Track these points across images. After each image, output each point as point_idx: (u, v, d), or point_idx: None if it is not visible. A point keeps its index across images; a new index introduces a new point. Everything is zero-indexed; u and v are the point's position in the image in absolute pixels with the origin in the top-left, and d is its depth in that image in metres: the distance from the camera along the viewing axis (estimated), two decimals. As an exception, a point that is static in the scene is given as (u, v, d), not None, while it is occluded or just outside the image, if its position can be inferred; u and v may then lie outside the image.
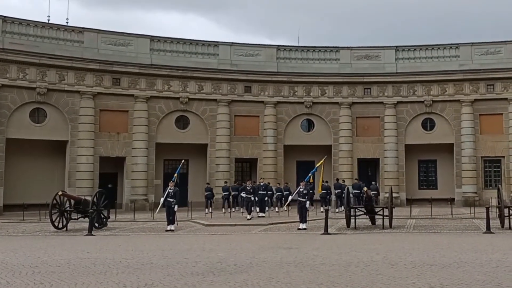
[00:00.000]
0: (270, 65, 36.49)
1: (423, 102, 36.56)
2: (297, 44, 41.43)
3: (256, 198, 26.78)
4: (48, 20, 36.07)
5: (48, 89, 31.30)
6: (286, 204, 27.02)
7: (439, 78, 36.34)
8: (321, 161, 28.97)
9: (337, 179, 33.08)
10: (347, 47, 37.92)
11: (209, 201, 29.10)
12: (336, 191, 30.82)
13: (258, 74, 36.10)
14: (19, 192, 30.24)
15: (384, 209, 21.34)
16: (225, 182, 32.53)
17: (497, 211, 21.53)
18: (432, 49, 37.23)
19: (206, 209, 28.54)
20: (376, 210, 22.08)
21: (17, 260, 12.89)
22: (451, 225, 21.79)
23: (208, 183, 31.98)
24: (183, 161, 29.83)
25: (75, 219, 22.22)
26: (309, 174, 27.77)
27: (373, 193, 33.63)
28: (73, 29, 32.95)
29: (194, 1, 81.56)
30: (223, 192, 30.52)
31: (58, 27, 32.72)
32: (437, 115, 36.77)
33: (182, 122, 35.24)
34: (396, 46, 37.63)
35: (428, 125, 36.98)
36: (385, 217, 20.84)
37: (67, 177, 32.04)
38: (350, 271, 10.98)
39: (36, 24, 31.80)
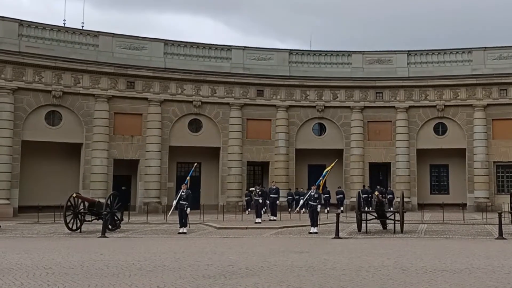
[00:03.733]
0: (282, 69, 36.67)
1: (435, 106, 36.51)
2: (309, 48, 41.72)
3: (267, 202, 26.98)
4: (64, 24, 36.44)
5: (64, 92, 31.69)
6: (298, 208, 27.15)
7: (452, 83, 36.26)
8: (332, 165, 29.10)
9: (339, 187, 34.86)
10: (359, 51, 38.00)
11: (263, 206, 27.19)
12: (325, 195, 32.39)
13: (270, 78, 36.28)
14: (34, 194, 30.60)
15: (396, 213, 21.27)
16: (296, 188, 34.63)
17: (510, 216, 21.51)
18: (445, 54, 37.16)
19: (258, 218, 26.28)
20: (388, 214, 22.07)
21: (31, 261, 13.00)
22: (463, 230, 21.69)
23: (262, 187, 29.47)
24: (195, 164, 30.08)
25: (89, 221, 22.44)
26: (320, 178, 27.93)
27: (389, 197, 34.00)
28: (88, 33, 33.36)
29: (205, 3, 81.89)
30: (288, 196, 33.58)
31: (73, 30, 33.16)
32: (449, 119, 36.68)
33: (195, 126, 35.50)
34: (408, 51, 37.64)
35: (440, 129, 36.91)
36: (396, 222, 20.77)
37: (81, 179, 32.37)
38: (361, 276, 10.98)
39: (52, 27, 32.20)
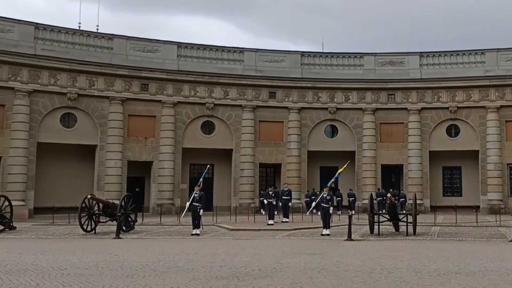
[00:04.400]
0: (294, 71, 36.77)
1: (447, 108, 36.41)
2: (320, 49, 41.74)
3: (280, 203, 27.10)
4: (79, 26, 36.85)
5: (79, 94, 32.02)
6: (310, 210, 27.18)
7: (464, 84, 36.13)
8: (344, 166, 29.09)
9: (350, 189, 35.89)
10: (371, 53, 38.02)
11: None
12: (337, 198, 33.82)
13: (283, 80, 36.40)
14: (49, 195, 30.95)
15: (408, 216, 21.22)
16: (312, 189, 35.19)
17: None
18: (457, 55, 37.04)
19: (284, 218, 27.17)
20: (400, 216, 22.02)
21: (46, 262, 13.14)
22: (476, 233, 21.63)
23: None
24: (208, 165, 30.27)
25: (103, 222, 22.62)
26: (332, 180, 27.93)
27: (401, 200, 33.97)
28: (103, 36, 33.69)
29: (216, 5, 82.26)
30: (306, 198, 34.15)
31: (88, 33, 33.50)
32: (462, 121, 36.56)
33: (208, 127, 35.71)
34: (421, 52, 37.55)
35: (453, 131, 36.80)
36: (409, 224, 20.76)
37: (96, 181, 32.65)
38: (374, 278, 10.98)
39: (67, 30, 32.54)
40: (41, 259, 13.62)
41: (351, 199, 35.23)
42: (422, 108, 36.73)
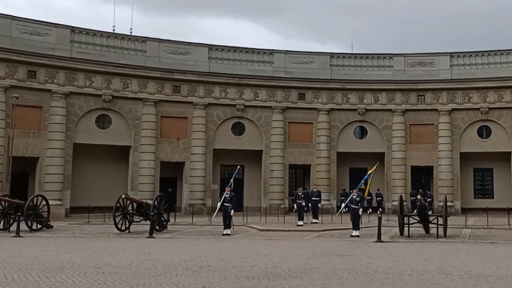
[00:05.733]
0: (324, 72, 36.88)
1: (478, 109, 36.04)
2: (350, 50, 41.77)
3: (310, 204, 27.31)
4: (113, 30, 37.61)
5: (113, 96, 32.68)
6: (340, 211, 27.33)
7: (496, 85, 35.68)
8: (373, 168, 29.14)
9: (378, 189, 35.90)
10: (401, 54, 37.87)
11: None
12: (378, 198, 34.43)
13: (312, 82, 36.54)
14: (85, 195, 31.61)
15: (439, 217, 21.19)
16: (343, 190, 35.58)
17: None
18: (489, 55, 36.59)
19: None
20: (430, 218, 21.93)
21: (82, 260, 13.38)
22: (508, 235, 21.47)
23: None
24: (238, 166, 30.62)
25: (137, 221, 23.12)
26: (362, 181, 28.01)
27: (428, 200, 33.77)
28: (136, 39, 34.37)
29: (246, 6, 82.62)
30: (341, 197, 34.26)
31: (122, 36, 34.20)
32: (493, 122, 36.13)
33: (238, 129, 36.07)
34: (451, 53, 37.22)
35: (484, 132, 36.40)
36: (439, 226, 20.71)
37: (129, 181, 33.25)
38: (404, 280, 10.91)
39: (102, 34, 33.24)
40: (77, 258, 13.89)
41: (378, 199, 35.40)
42: (453, 109, 36.43)
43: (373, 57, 37.90)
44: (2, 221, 22.59)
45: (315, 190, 28.51)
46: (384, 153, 36.77)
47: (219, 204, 22.58)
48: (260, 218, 28.44)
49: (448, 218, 21.21)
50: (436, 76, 36.75)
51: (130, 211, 22.82)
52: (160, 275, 11.21)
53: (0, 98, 29.50)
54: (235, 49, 36.39)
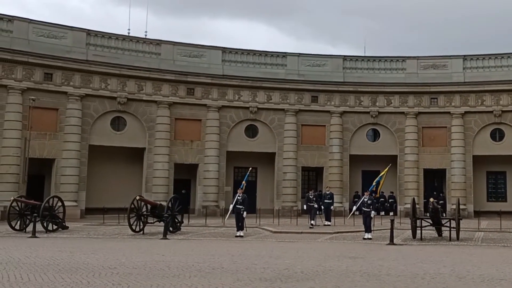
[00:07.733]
0: (337, 75, 36.97)
1: (492, 112, 35.88)
2: (362, 52, 41.85)
3: (322, 207, 27.44)
4: (128, 33, 38.10)
5: (128, 99, 33.02)
6: (351, 214, 27.44)
7: (509, 88, 35.47)
8: (385, 170, 29.21)
9: (391, 192, 36.03)
10: (414, 57, 37.84)
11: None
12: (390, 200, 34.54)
13: (325, 84, 36.64)
14: (100, 196, 31.88)
15: (451, 221, 21.15)
16: (355, 192, 36.09)
17: None
18: (502, 58, 36.39)
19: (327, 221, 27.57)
20: (443, 221, 21.90)
21: (97, 261, 13.50)
22: (521, 239, 21.33)
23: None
24: (250, 168, 30.79)
25: (151, 223, 23.26)
26: (373, 184, 28.10)
27: (441, 202, 33.75)
28: (151, 42, 34.68)
29: (258, 8, 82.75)
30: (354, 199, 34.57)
31: (137, 39, 34.51)
32: (506, 125, 35.93)
33: (251, 131, 36.25)
34: (464, 55, 37.12)
35: (497, 135, 36.22)
36: (452, 229, 20.66)
37: (144, 183, 33.54)
38: (416, 283, 10.89)
39: (117, 37, 33.64)
40: (92, 258, 14.03)
41: (390, 200, 35.45)
42: (466, 112, 36.32)
43: (385, 60, 37.92)
44: (19, 222, 22.88)
45: (327, 192, 28.63)
46: (396, 155, 36.74)
47: (231, 206, 22.73)
48: (273, 220, 28.52)
49: (461, 221, 21.15)
50: (449, 79, 36.64)
51: (145, 213, 22.96)
52: (173, 276, 11.31)
53: (17, 100, 29.94)
54: (248, 51, 36.62)
